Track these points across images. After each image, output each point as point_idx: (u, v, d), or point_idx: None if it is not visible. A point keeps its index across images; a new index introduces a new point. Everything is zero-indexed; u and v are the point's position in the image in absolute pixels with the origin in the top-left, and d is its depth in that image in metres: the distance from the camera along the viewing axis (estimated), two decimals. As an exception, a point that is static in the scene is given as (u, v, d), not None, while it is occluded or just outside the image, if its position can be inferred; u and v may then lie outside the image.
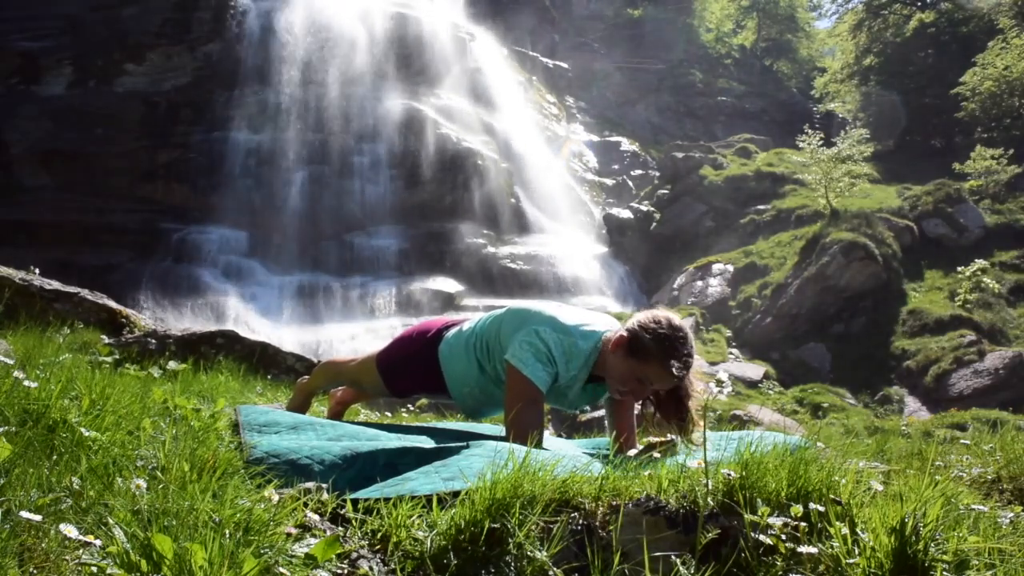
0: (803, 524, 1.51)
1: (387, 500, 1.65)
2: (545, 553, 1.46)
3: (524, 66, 30.03)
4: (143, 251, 17.75)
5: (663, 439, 2.48)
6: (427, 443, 2.40)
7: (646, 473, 1.76)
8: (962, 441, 3.11)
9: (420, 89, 22.51)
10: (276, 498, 1.59)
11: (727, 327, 17.85)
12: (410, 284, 18.47)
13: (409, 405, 5.28)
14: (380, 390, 3.14)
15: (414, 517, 1.58)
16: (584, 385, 2.72)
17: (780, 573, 1.46)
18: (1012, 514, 1.82)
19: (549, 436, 3.22)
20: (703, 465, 1.64)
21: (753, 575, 1.48)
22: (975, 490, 2.15)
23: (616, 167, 28.30)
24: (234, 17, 21.80)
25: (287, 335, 14.96)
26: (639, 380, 2.53)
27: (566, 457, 1.92)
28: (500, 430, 2.93)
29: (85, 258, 16.61)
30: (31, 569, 1.24)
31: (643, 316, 2.60)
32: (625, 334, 2.56)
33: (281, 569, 1.31)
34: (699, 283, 19.52)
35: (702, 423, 2.60)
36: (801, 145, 20.90)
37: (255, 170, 19.67)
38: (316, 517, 1.61)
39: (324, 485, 1.76)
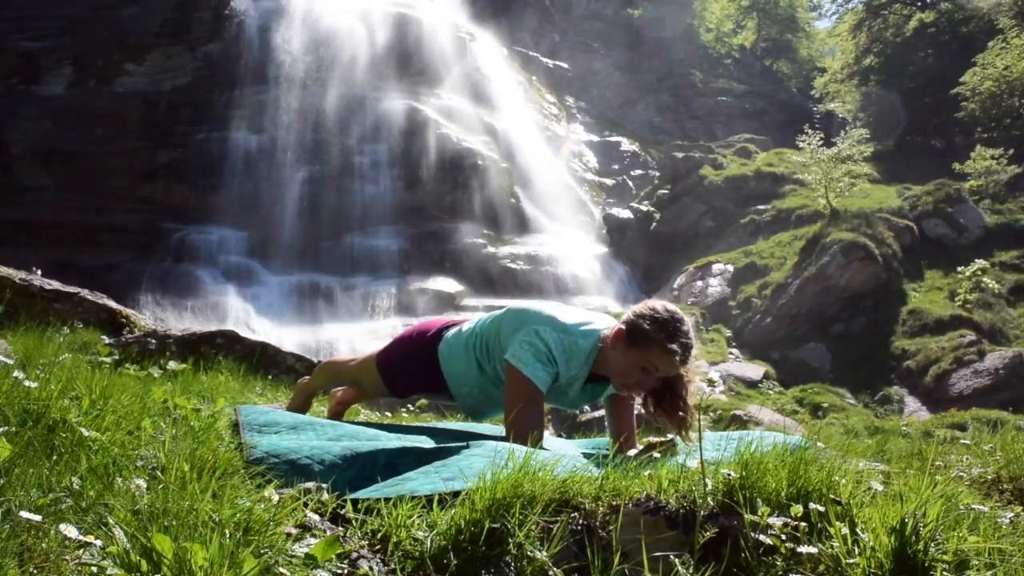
0: (803, 524, 1.51)
1: (387, 500, 1.65)
2: (545, 553, 1.46)
3: (524, 66, 30.04)
4: (143, 251, 17.74)
5: (663, 439, 2.48)
6: (427, 443, 2.40)
7: (646, 473, 1.76)
8: (962, 441, 3.11)
9: (420, 89, 22.50)
10: (276, 498, 1.59)
11: (727, 327, 17.86)
12: (410, 284, 18.46)
13: (409, 405, 5.28)
14: (380, 390, 3.15)
15: (414, 517, 1.58)
16: (584, 385, 2.72)
17: (780, 573, 1.46)
18: (1012, 514, 1.82)
19: (549, 436, 3.22)
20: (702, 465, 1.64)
21: (753, 575, 1.48)
22: (975, 490, 2.15)
23: (616, 167, 28.28)
24: (234, 17, 21.80)
25: (287, 335, 14.95)
26: (643, 369, 2.52)
27: (566, 457, 1.92)
28: (500, 430, 2.93)
29: (85, 258, 16.60)
30: (31, 569, 1.24)
31: (638, 307, 2.62)
32: (623, 327, 2.57)
33: (281, 569, 1.31)
34: (699, 283, 19.52)
35: (698, 420, 2.60)
36: (801, 145, 20.89)
37: (255, 170, 19.66)
38: (316, 517, 1.61)
39: (324, 485, 1.76)
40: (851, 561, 1.42)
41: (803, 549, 1.45)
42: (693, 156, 24.30)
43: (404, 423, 3.76)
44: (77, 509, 1.42)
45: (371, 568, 1.45)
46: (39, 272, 5.68)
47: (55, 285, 5.59)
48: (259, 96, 20.71)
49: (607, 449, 2.44)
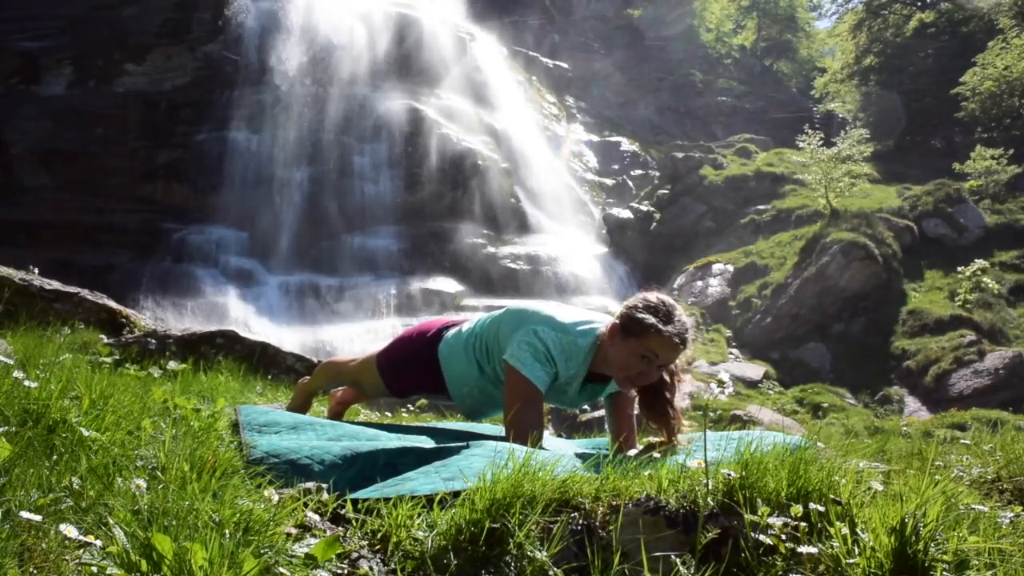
0: (803, 524, 1.50)
1: (387, 500, 1.65)
2: (545, 553, 1.46)
3: (524, 66, 30.03)
4: (143, 251, 17.74)
5: (663, 439, 2.48)
6: (427, 443, 2.40)
7: (646, 473, 1.76)
8: (962, 441, 3.11)
9: (420, 89, 22.50)
10: (276, 498, 1.59)
11: (727, 327, 17.86)
12: (410, 284, 18.46)
13: (409, 405, 5.28)
14: (380, 390, 3.15)
15: (414, 517, 1.58)
16: (583, 384, 2.72)
17: (780, 573, 1.46)
18: (1012, 514, 1.82)
19: (549, 436, 3.22)
20: (703, 465, 1.64)
21: (753, 575, 1.48)
22: (975, 490, 2.15)
23: (616, 167, 28.28)
24: (234, 17, 21.80)
25: (287, 335, 14.95)
26: (644, 358, 2.49)
27: (566, 457, 1.92)
28: (500, 430, 2.93)
29: (85, 258, 16.60)
30: (31, 569, 1.24)
31: (630, 300, 2.62)
32: (617, 320, 2.57)
33: (281, 569, 1.31)
34: (699, 283, 19.53)
35: (684, 422, 2.60)
36: (801, 145, 20.90)
37: (255, 170, 19.66)
38: (316, 517, 1.61)
39: (324, 485, 1.76)
40: (851, 561, 1.42)
41: (803, 549, 1.45)
42: (693, 156, 24.30)
43: (404, 423, 3.76)
44: (77, 509, 1.42)
45: (371, 568, 1.45)
46: (39, 272, 5.68)
47: (55, 285, 5.59)
48: (259, 96, 20.70)
49: (607, 449, 2.44)
